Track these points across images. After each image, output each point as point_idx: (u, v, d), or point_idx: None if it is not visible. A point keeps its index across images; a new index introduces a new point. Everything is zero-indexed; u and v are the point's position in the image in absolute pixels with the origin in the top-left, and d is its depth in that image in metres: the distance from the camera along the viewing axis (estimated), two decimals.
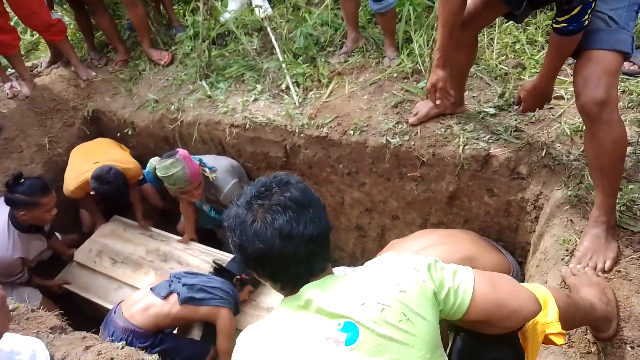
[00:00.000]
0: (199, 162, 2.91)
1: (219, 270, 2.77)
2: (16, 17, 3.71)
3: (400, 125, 2.65)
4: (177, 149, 2.85)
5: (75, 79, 3.92)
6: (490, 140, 2.43)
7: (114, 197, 3.15)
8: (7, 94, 3.72)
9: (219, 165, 3.02)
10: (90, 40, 4.19)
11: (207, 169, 2.95)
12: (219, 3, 3.92)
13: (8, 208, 2.80)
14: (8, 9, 3.46)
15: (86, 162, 3.22)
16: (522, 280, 2.38)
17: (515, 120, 2.48)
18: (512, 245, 2.64)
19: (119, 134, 3.65)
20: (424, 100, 2.68)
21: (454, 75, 2.30)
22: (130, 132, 3.60)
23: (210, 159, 3.07)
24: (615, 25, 1.63)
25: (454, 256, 2.25)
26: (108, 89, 3.84)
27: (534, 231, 2.34)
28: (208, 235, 3.71)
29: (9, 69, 3.98)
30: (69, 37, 4.09)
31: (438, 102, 2.21)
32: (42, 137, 3.60)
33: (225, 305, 2.56)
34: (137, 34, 3.95)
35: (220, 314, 2.53)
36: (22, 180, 2.71)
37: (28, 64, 4.10)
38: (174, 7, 4.19)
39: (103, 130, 3.78)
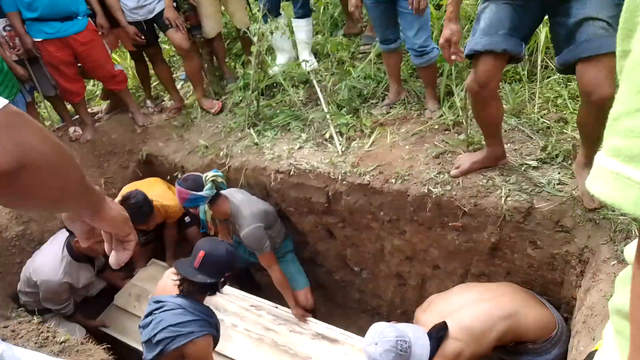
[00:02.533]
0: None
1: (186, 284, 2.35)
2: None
3: (442, 175, 2.70)
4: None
5: (132, 124, 4.21)
6: (533, 193, 2.44)
7: (131, 215, 3.24)
8: (71, 137, 4.02)
9: (251, 206, 3.07)
10: (148, 89, 4.51)
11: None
12: (269, 57, 4.18)
13: (66, 236, 3.01)
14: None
15: None
16: (568, 338, 2.32)
17: (559, 173, 2.49)
18: (557, 299, 2.59)
19: (169, 177, 3.85)
20: (466, 153, 2.74)
21: (491, 131, 2.39)
22: (180, 176, 3.79)
23: (246, 199, 3.14)
24: (614, 30, 1.71)
25: (497, 314, 2.24)
26: (162, 134, 4.09)
27: (580, 286, 2.30)
28: (245, 276, 3.79)
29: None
30: (128, 86, 4.42)
31: (453, 57, 2.19)
32: (99, 177, 3.84)
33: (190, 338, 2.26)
34: (191, 83, 4.23)
35: (187, 348, 2.25)
36: None
37: (90, 111, 4.43)
38: (226, 60, 4.48)
39: (155, 173, 4.00)
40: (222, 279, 2.34)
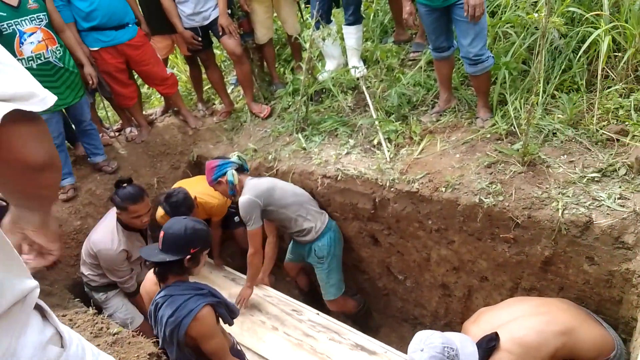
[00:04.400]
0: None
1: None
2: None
3: (494, 185, 2.65)
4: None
5: (184, 127, 4.34)
6: (591, 207, 2.36)
7: (172, 211, 3.26)
8: (127, 137, 4.19)
9: (261, 184, 3.18)
10: (200, 92, 4.64)
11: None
12: (319, 63, 4.22)
13: (115, 211, 3.16)
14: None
15: None
16: None
17: (620, 187, 2.39)
18: (613, 319, 2.47)
19: None
20: None
21: None
22: None
23: (267, 181, 3.28)
24: None
25: (552, 329, 2.15)
26: (212, 137, 4.20)
27: None
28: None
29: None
30: (180, 90, 4.56)
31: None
32: (152, 177, 3.98)
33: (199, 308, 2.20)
34: (242, 88, 4.32)
35: (192, 329, 2.19)
36: (125, 185, 3.05)
37: (145, 113, 4.61)
38: (276, 66, 4.56)
39: (204, 174, 4.10)
40: (189, 255, 2.21)
